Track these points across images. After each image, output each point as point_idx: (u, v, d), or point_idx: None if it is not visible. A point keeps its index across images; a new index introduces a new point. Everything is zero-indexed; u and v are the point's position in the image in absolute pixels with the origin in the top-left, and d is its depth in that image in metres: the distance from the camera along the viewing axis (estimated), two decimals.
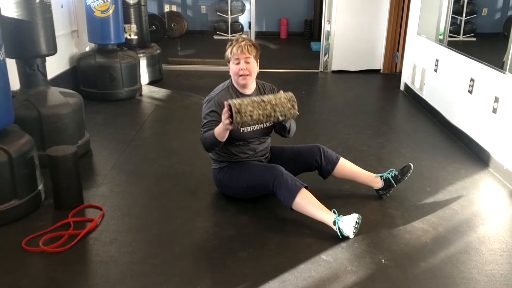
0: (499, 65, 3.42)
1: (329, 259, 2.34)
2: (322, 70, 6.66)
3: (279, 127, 2.81)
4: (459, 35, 4.89)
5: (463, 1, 5.12)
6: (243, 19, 9.64)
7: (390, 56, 6.50)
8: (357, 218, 2.47)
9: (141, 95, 5.22)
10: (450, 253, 2.42)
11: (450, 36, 4.48)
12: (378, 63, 6.58)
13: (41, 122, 3.20)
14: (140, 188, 3.09)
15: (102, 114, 4.54)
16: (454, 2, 4.44)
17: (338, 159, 2.92)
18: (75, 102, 3.44)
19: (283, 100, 2.49)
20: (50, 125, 3.24)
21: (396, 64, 6.53)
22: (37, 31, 3.14)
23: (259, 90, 2.87)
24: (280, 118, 2.50)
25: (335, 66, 6.57)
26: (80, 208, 2.78)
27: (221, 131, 2.53)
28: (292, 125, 2.82)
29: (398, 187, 2.95)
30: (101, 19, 4.79)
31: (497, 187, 3.18)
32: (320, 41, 6.83)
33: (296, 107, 2.52)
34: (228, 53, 2.72)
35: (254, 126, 2.72)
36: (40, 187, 2.81)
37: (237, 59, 2.68)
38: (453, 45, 4.35)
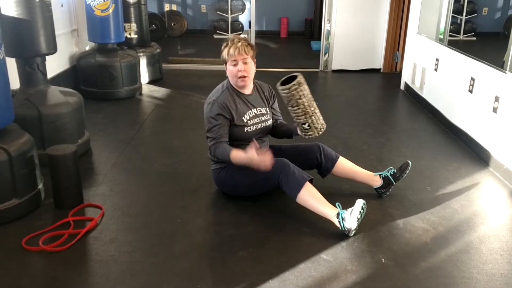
0: (500, 65, 3.42)
1: (329, 259, 2.34)
2: (322, 69, 6.66)
3: (284, 132, 2.91)
4: (460, 35, 4.89)
5: (464, 1, 5.11)
6: (243, 18, 9.64)
7: (390, 55, 6.50)
8: (363, 203, 2.46)
9: (141, 94, 5.22)
10: (450, 253, 2.42)
11: (450, 36, 4.48)
12: (378, 62, 6.58)
13: (41, 121, 3.20)
14: (140, 187, 3.09)
15: (102, 113, 4.53)
16: (455, 1, 4.44)
17: (337, 157, 2.93)
18: (75, 101, 3.44)
19: (321, 120, 2.69)
20: (50, 124, 3.24)
21: (396, 63, 6.53)
22: (37, 30, 3.13)
23: (257, 90, 2.88)
24: (306, 126, 2.66)
25: (335, 66, 6.57)
26: (80, 207, 2.77)
27: (240, 161, 2.61)
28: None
29: (398, 186, 2.95)
30: (101, 18, 4.78)
31: (497, 187, 3.18)
32: (320, 40, 6.83)
33: (316, 135, 2.70)
34: (224, 54, 2.70)
35: (257, 125, 2.80)
36: (40, 186, 2.81)
37: (235, 60, 2.67)
38: (454, 45, 4.35)
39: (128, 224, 2.65)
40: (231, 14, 9.37)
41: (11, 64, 3.07)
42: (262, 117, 2.84)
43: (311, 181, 2.62)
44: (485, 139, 3.57)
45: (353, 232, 2.49)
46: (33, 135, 2.84)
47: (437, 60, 4.57)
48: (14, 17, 3.03)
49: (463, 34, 4.95)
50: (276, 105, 3.01)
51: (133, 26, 5.56)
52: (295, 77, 2.58)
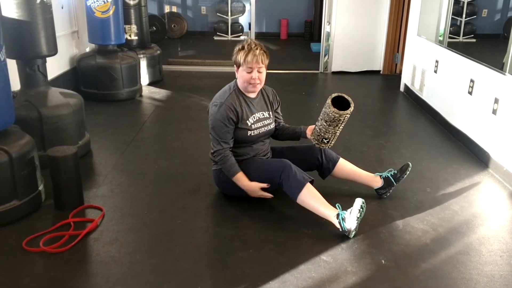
0: (499, 66, 3.43)
1: (329, 260, 2.34)
2: (322, 71, 6.66)
3: (290, 135, 2.97)
4: (459, 36, 4.89)
5: (463, 2, 5.12)
6: (243, 20, 9.65)
7: (390, 57, 6.50)
8: (362, 202, 2.47)
9: (141, 95, 5.22)
10: (450, 254, 2.42)
11: (450, 37, 4.48)
12: (378, 64, 6.59)
13: (41, 122, 3.20)
14: (140, 188, 3.10)
15: (103, 114, 4.54)
16: (454, 3, 4.45)
17: (338, 158, 2.94)
18: (75, 103, 3.45)
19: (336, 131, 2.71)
20: (50, 126, 3.25)
21: (396, 65, 6.53)
22: (37, 31, 3.14)
23: (262, 94, 2.89)
24: (325, 140, 2.69)
25: (335, 67, 6.57)
26: (81, 209, 2.78)
27: (242, 186, 2.74)
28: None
29: (398, 187, 2.96)
30: (102, 20, 4.79)
31: (497, 188, 3.19)
32: (320, 42, 6.84)
33: (326, 147, 2.76)
34: (239, 58, 2.67)
35: (260, 129, 2.82)
36: (41, 187, 2.81)
37: (250, 68, 2.66)
38: (453, 46, 4.35)
39: (129, 225, 2.65)
40: (231, 16, 9.38)
41: (12, 66, 3.08)
42: (265, 121, 2.85)
43: (311, 183, 2.63)
44: (485, 140, 3.58)
45: (353, 233, 2.49)
46: (34, 137, 2.85)
47: (436, 62, 4.58)
48: (14, 19, 3.03)
49: (463, 36, 4.95)
50: (279, 109, 3.02)
51: (134, 27, 5.57)
52: (347, 100, 2.67)
